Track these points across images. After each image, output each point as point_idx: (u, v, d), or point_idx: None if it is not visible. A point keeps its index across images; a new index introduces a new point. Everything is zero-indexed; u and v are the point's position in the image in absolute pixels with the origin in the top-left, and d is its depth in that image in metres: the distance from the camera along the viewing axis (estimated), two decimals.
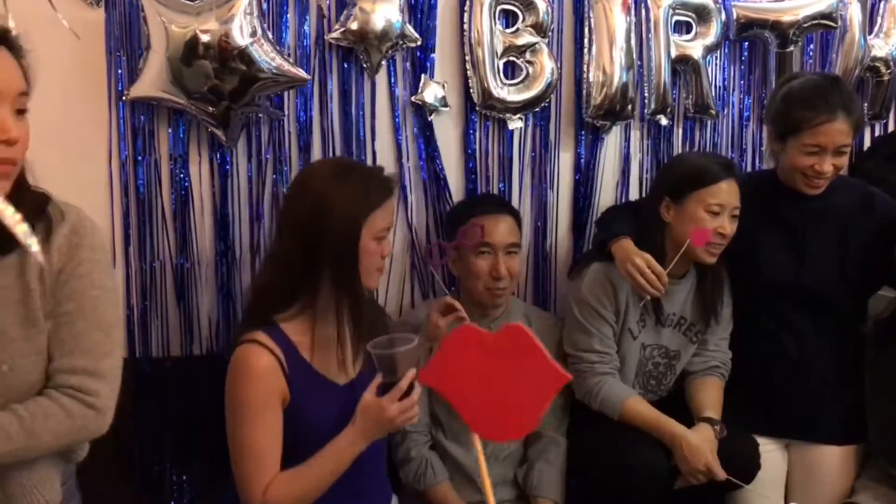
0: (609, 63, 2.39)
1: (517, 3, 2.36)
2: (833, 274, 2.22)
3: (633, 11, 2.41)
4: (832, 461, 2.28)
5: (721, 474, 2.05)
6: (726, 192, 2.13)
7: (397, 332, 1.70)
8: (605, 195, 2.56)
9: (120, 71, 2.13)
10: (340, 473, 1.69)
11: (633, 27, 2.42)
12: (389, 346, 1.62)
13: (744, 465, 2.13)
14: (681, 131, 2.61)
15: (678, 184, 2.18)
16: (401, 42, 2.26)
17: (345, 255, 1.69)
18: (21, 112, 1.32)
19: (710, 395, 2.24)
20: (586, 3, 2.41)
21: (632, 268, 2.09)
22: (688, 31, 2.55)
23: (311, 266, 1.70)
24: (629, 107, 2.44)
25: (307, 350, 1.74)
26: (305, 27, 2.23)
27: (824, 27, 2.59)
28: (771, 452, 2.28)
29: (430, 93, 2.33)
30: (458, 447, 2.21)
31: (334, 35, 2.21)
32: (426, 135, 2.36)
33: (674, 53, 2.48)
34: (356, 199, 1.69)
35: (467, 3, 2.32)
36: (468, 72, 2.35)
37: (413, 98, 2.33)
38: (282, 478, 1.69)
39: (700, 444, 2.07)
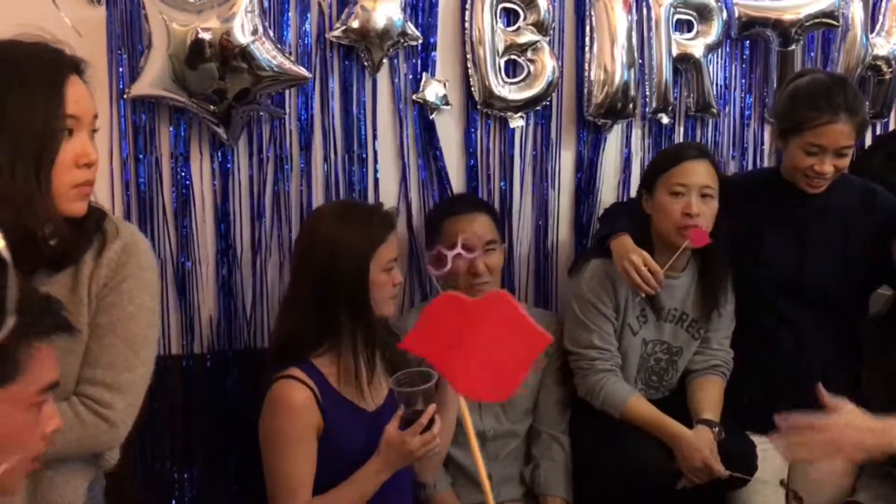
0: (610, 61, 2.39)
1: (518, 2, 2.36)
2: (835, 271, 2.22)
3: (634, 10, 2.41)
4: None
5: (720, 470, 2.04)
6: (689, 172, 2.12)
7: (418, 367, 1.79)
8: (607, 194, 2.56)
9: (121, 69, 2.12)
10: (366, 500, 1.79)
11: (634, 25, 2.41)
12: (410, 382, 1.72)
13: (741, 466, 2.12)
14: (682, 130, 2.61)
15: (649, 174, 2.22)
16: (402, 40, 2.25)
17: (357, 291, 1.81)
18: (93, 132, 1.40)
19: (709, 396, 2.24)
20: (587, 1, 2.41)
21: (628, 264, 2.09)
22: (689, 30, 2.54)
23: (330, 305, 1.82)
24: (630, 105, 2.43)
25: (335, 380, 1.84)
26: (307, 25, 2.22)
27: (826, 26, 2.59)
28: (771, 451, 2.27)
29: (432, 91, 2.33)
30: (459, 450, 2.20)
31: (335, 33, 2.21)
32: (427, 133, 2.36)
33: (675, 52, 2.48)
34: (362, 237, 1.82)
35: (468, 1, 2.31)
36: (469, 70, 2.34)
37: (414, 96, 2.32)
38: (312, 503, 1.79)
39: (699, 442, 2.07)
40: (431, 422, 1.74)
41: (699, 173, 2.13)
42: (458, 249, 1.94)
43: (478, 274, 2.15)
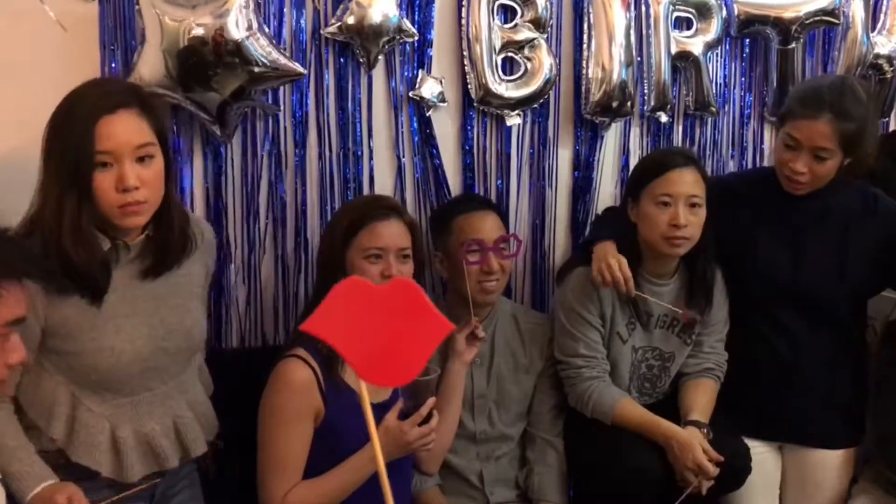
0: (608, 59, 2.37)
1: None
2: (832, 276, 2.19)
3: (632, 7, 2.39)
4: (827, 464, 2.26)
5: (709, 469, 2.01)
6: (675, 181, 2.09)
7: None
8: (604, 193, 2.55)
9: (114, 64, 2.10)
10: (356, 487, 1.80)
11: (632, 23, 2.39)
12: None
13: (735, 468, 2.11)
14: (681, 129, 2.60)
15: (634, 183, 2.19)
16: (398, 37, 2.23)
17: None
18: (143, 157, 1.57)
19: (700, 398, 2.22)
20: None
21: (603, 266, 2.08)
22: (688, 28, 2.53)
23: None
24: (628, 104, 2.42)
25: (339, 365, 1.84)
26: (301, 21, 2.20)
27: (826, 24, 2.58)
28: (764, 455, 2.26)
29: (428, 88, 2.31)
30: (450, 452, 2.18)
31: (331, 29, 2.19)
32: (423, 130, 2.34)
33: (674, 50, 2.47)
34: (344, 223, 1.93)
35: None
36: (466, 67, 2.32)
37: (410, 93, 2.31)
38: (302, 486, 1.81)
39: (691, 442, 2.05)
40: (430, 415, 1.77)
41: (686, 182, 2.09)
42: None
43: (491, 272, 2.13)
